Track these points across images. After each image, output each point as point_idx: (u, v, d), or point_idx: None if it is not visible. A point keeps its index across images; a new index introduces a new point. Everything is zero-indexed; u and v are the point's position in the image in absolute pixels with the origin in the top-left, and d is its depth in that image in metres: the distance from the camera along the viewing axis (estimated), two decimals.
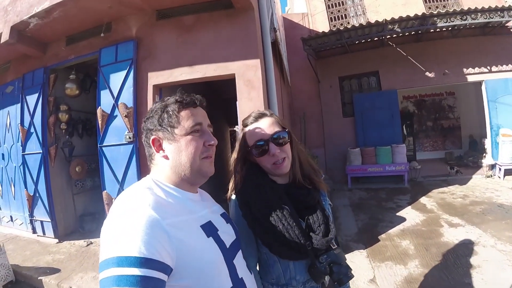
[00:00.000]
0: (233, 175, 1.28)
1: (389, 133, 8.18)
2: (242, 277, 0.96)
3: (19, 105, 5.01)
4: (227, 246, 0.95)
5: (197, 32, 3.78)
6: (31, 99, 4.78)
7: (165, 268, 0.70)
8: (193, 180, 0.97)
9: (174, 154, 0.93)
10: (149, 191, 0.84)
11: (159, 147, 0.96)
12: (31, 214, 4.99)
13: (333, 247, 1.15)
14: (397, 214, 5.33)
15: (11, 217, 5.56)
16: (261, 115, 1.21)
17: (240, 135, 1.27)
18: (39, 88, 4.69)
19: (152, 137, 0.96)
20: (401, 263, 3.50)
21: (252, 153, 1.19)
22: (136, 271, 0.64)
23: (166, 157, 0.95)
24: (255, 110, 1.28)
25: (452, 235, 4.10)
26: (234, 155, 1.27)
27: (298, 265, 1.15)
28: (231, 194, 1.25)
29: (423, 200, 6.05)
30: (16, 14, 4.04)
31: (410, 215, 5.18)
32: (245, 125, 1.24)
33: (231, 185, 1.27)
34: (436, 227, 4.46)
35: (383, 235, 4.39)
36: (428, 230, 4.40)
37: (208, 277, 0.82)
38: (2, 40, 4.17)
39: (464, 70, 8.02)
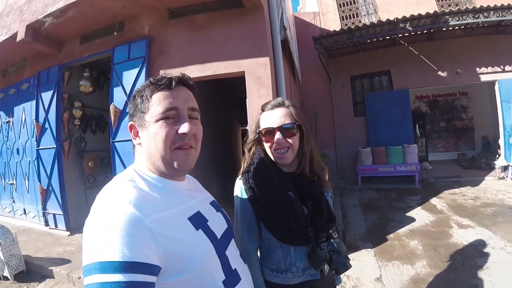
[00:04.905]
0: (244, 155, 1.35)
1: (401, 133, 8.10)
2: (235, 268, 0.92)
3: (34, 101, 5.15)
4: (218, 237, 0.90)
5: (208, 30, 3.82)
6: (46, 95, 4.91)
7: (152, 269, 0.66)
8: (168, 173, 0.87)
9: (145, 142, 0.86)
10: (131, 184, 0.78)
11: (136, 134, 0.90)
12: (44, 207, 5.14)
13: (334, 236, 1.20)
14: (407, 214, 5.30)
15: (24, 210, 5.72)
16: (278, 105, 1.27)
17: (256, 118, 1.34)
18: (54, 85, 4.82)
19: (129, 123, 0.91)
20: (408, 263, 3.49)
21: (262, 137, 1.27)
22: (120, 277, 0.60)
23: (141, 145, 0.88)
24: (277, 98, 1.35)
25: (462, 236, 4.07)
26: (250, 136, 1.35)
27: (299, 251, 1.20)
28: (241, 173, 1.31)
29: (434, 201, 5.99)
30: (31, 14, 4.16)
31: (420, 215, 5.15)
32: (262, 110, 1.31)
33: (242, 163, 1.34)
34: (445, 228, 4.43)
35: (391, 235, 4.38)
36: (437, 231, 4.37)
37: (199, 272, 0.78)
38: (18, 39, 4.29)
39: (477, 69, 7.89)
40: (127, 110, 0.85)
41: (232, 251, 0.96)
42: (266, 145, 1.26)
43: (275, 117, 1.23)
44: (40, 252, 4.26)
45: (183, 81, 0.91)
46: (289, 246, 1.19)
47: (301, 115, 1.28)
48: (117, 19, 4.16)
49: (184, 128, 0.84)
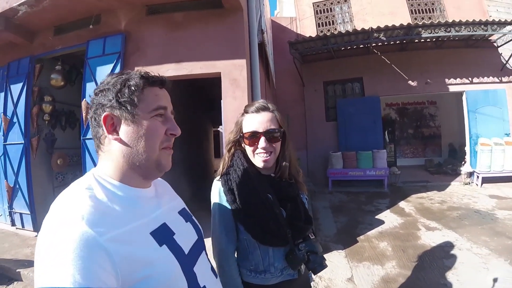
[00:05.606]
0: (223, 156, 1.33)
1: (371, 139, 8.36)
2: (204, 285, 0.85)
3: (2, 94, 4.91)
4: (186, 252, 0.83)
5: (186, 29, 3.81)
6: (15, 88, 4.70)
7: None
8: (147, 172, 0.82)
9: (131, 138, 0.78)
10: (88, 193, 0.70)
11: (111, 128, 0.78)
12: (11, 206, 4.90)
13: (311, 237, 1.23)
14: (376, 217, 5.46)
15: None
16: (263, 108, 1.24)
17: (239, 120, 1.30)
18: (24, 77, 4.62)
19: (104, 114, 0.77)
20: (378, 263, 3.59)
21: (244, 140, 1.24)
22: None
23: (120, 141, 0.78)
24: (259, 100, 1.31)
25: (429, 238, 4.24)
26: (230, 136, 1.31)
27: (277, 252, 1.20)
28: (220, 174, 1.28)
29: (402, 204, 6.21)
30: (5, 1, 3.97)
31: (388, 218, 5.31)
32: (246, 112, 1.28)
33: (221, 164, 1.32)
34: (413, 230, 4.59)
35: (361, 237, 4.49)
36: (406, 232, 4.52)
37: None
38: None
39: (446, 80, 8.30)
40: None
41: (202, 267, 0.89)
42: (249, 148, 1.24)
43: (260, 121, 1.21)
44: (6, 253, 4.06)
45: (167, 83, 0.87)
46: (268, 247, 1.19)
47: (284, 120, 1.27)
48: (93, 12, 4.04)
49: (178, 130, 0.83)
